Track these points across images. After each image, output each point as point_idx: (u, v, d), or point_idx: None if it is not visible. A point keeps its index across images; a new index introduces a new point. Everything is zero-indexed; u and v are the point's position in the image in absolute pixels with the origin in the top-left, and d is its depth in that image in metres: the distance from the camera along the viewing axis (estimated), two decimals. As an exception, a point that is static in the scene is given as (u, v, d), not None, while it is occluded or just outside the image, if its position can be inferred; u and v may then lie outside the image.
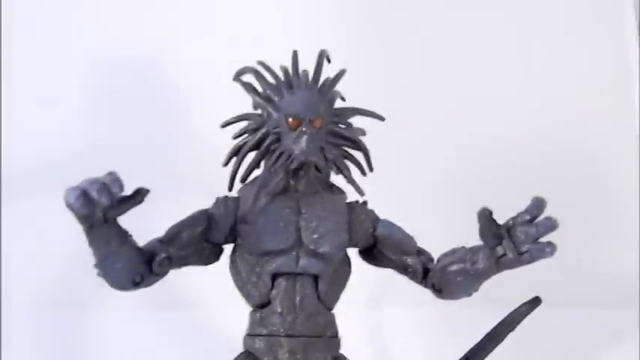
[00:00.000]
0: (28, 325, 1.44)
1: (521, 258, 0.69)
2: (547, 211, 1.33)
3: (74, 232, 1.53)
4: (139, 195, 0.67)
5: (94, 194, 0.63)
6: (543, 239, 0.69)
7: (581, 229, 1.52)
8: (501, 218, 0.71)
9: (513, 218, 0.70)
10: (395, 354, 1.21)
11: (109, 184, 0.63)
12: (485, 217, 0.69)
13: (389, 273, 1.42)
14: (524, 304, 1.06)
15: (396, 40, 1.47)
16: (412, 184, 1.29)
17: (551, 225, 0.68)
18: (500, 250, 0.71)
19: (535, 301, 1.05)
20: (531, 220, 0.69)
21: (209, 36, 1.45)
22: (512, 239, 0.70)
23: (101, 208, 0.65)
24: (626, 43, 1.53)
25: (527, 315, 1.06)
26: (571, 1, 1.50)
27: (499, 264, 0.72)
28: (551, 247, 0.68)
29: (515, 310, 1.07)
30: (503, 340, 1.09)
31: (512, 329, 1.07)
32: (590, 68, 1.50)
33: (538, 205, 0.68)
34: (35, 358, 1.37)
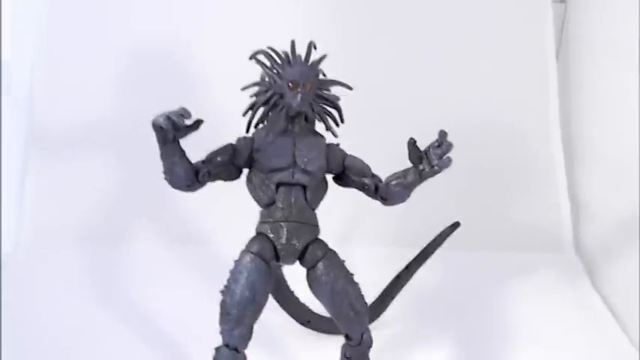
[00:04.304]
0: (63, 258, 1.65)
1: (433, 169, 1.06)
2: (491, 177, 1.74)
3: (102, 179, 1.86)
4: (197, 124, 1.02)
5: (175, 118, 0.98)
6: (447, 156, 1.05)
7: (516, 186, 1.91)
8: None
9: (429, 146, 1.07)
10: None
11: (183, 113, 0.99)
12: (412, 144, 1.06)
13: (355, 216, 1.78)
14: (446, 227, 1.44)
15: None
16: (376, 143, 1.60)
17: (449, 145, 1.05)
18: (421, 166, 1.07)
19: (454, 225, 1.43)
20: (439, 145, 1.05)
21: (223, 26, 1.85)
22: (428, 158, 1.07)
23: (175, 129, 0.99)
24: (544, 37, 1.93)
25: (449, 235, 1.43)
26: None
27: (422, 175, 1.08)
28: (448, 159, 1.04)
29: (440, 233, 1.44)
30: (430, 256, 1.38)
31: (438, 246, 1.44)
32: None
33: (442, 135, 1.05)
34: (69, 287, 1.55)
